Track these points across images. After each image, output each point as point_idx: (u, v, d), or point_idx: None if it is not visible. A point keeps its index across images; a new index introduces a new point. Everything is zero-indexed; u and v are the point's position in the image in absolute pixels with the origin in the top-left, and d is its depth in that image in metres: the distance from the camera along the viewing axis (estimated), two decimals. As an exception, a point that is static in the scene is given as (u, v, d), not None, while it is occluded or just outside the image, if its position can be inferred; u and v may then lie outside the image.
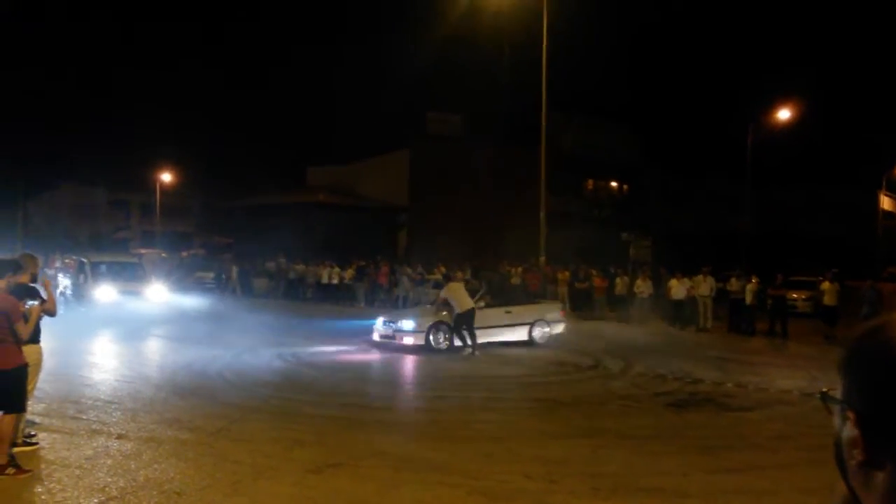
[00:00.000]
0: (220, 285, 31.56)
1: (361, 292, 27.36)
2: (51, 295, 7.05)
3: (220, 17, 79.23)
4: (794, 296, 22.76)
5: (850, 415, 0.83)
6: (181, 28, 79.38)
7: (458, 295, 14.61)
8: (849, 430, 0.83)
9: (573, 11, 37.80)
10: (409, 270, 26.85)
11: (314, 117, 66.79)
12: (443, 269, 25.99)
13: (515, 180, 34.61)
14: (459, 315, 14.39)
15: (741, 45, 67.80)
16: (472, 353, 14.14)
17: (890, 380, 0.78)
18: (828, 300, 18.69)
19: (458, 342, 14.47)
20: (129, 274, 20.15)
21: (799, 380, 12.30)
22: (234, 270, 31.45)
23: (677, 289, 20.67)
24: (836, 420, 0.87)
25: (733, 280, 20.34)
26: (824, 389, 0.92)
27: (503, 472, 6.72)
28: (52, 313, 6.99)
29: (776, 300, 19.07)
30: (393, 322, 15.22)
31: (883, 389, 0.79)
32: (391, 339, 14.92)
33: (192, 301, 23.65)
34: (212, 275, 32.82)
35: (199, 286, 31.04)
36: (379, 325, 15.37)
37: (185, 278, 31.78)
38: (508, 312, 15.91)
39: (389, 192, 42.18)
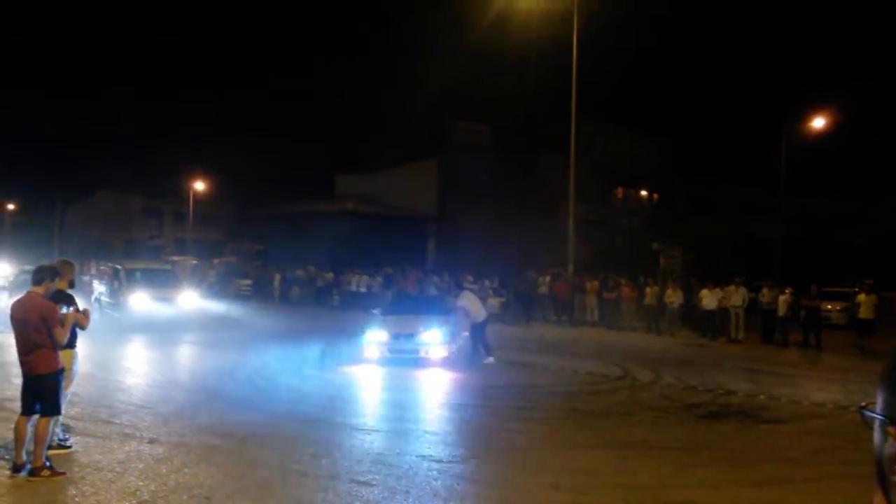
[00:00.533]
0: (261, 292, 31.83)
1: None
2: (83, 314, 6.99)
3: (252, 26, 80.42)
4: (829, 307, 22.34)
5: (893, 430, 0.80)
6: (212, 35, 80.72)
7: (474, 303, 14.65)
8: (891, 446, 0.80)
9: (602, 20, 37.70)
10: (436, 279, 26.87)
11: (344, 126, 67.34)
12: (470, 278, 26.00)
13: (544, 189, 34.49)
14: (476, 324, 14.42)
15: (774, 52, 66.96)
16: (489, 359, 14.19)
17: None
18: (864, 313, 18.28)
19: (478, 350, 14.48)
20: (162, 281, 20.47)
21: (833, 393, 12.05)
22: (278, 278, 31.37)
23: (709, 299, 20.41)
24: (876, 435, 0.84)
25: (765, 290, 20.03)
26: (863, 404, 0.90)
27: (532, 482, 6.68)
28: (83, 326, 7.00)
29: (810, 311, 18.73)
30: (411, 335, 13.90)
31: None
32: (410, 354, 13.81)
33: (231, 308, 23.88)
34: (249, 281, 33.24)
35: (237, 293, 31.42)
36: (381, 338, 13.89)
37: (223, 285, 32.21)
38: None
39: (418, 201, 42.31)
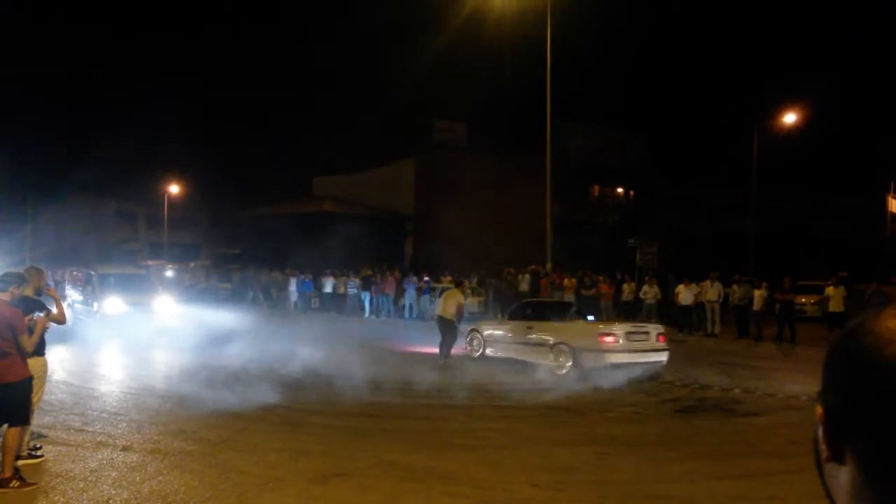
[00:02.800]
0: (238, 296, 31.09)
1: (367, 302, 27.34)
2: (59, 304, 7.07)
3: (225, 27, 79.79)
4: (803, 300, 22.64)
5: (818, 409, 0.83)
6: (186, 38, 79.95)
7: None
8: (818, 426, 0.83)
9: (577, 18, 37.91)
10: (414, 279, 26.85)
11: (320, 127, 66.99)
12: (449, 278, 26.01)
13: (521, 187, 34.61)
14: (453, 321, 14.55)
15: (747, 49, 67.74)
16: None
17: (854, 374, 0.79)
18: (833, 306, 18.56)
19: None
20: (137, 286, 20.19)
21: (807, 385, 12.19)
22: (293, 282, 29.45)
23: (685, 294, 20.61)
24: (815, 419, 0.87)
25: (735, 287, 20.26)
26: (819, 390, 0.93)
27: (509, 480, 6.68)
28: (61, 322, 7.03)
29: (784, 305, 18.97)
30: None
31: (847, 384, 0.79)
32: None
33: (221, 314, 22.94)
34: (228, 285, 32.77)
35: (214, 297, 30.81)
36: None
37: (199, 289, 31.66)
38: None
39: (395, 200, 42.23)
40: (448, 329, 14.55)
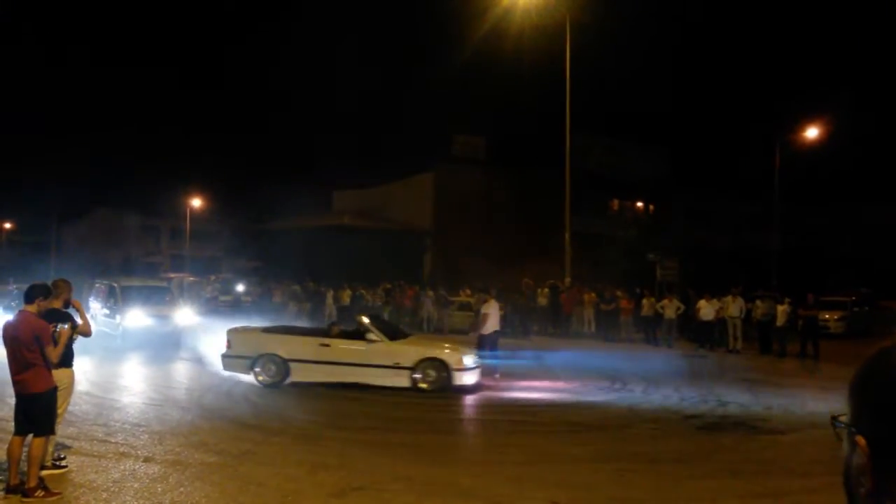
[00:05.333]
0: (260, 308, 30.97)
1: (386, 315, 27.33)
2: (84, 316, 7.16)
3: (249, 43, 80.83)
4: (826, 316, 22.34)
5: (860, 440, 0.79)
6: (212, 56, 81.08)
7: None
8: (858, 457, 0.79)
9: (597, 32, 37.93)
10: (432, 293, 26.87)
11: (340, 141, 67.49)
12: (468, 292, 25.98)
13: (540, 202, 34.59)
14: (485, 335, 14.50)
15: (769, 62, 67.38)
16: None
17: None
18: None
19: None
20: (158, 298, 20.42)
21: (831, 402, 12.00)
22: (331, 295, 28.35)
23: (706, 310, 20.41)
24: (845, 445, 0.83)
25: (758, 302, 20.04)
26: (835, 415, 0.88)
27: (529, 497, 6.65)
28: (87, 334, 7.11)
29: (807, 321, 18.72)
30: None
31: (893, 413, 0.76)
32: None
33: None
34: (248, 297, 32.82)
35: (238, 309, 30.93)
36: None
37: (221, 301, 31.78)
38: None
39: (414, 214, 42.34)
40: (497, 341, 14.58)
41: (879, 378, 0.78)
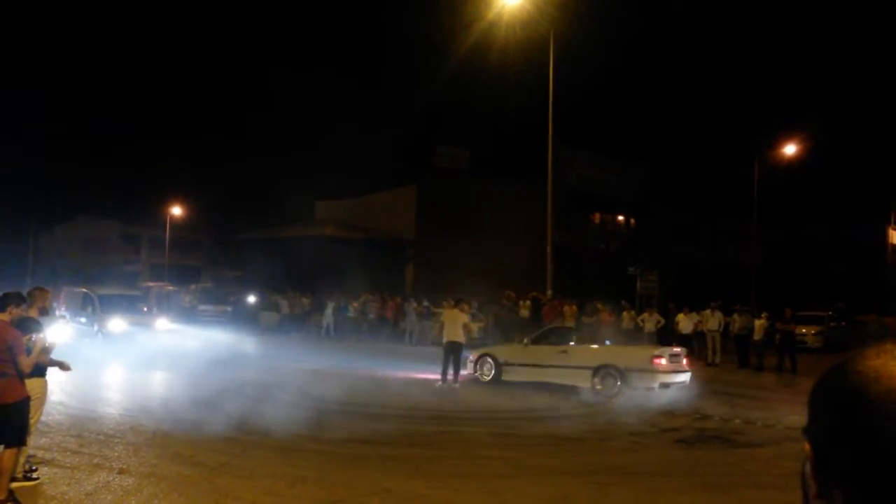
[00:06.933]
0: (239, 318, 30.65)
1: (366, 327, 27.24)
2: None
3: (230, 52, 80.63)
4: (804, 331, 22.58)
5: (806, 446, 0.84)
6: (190, 61, 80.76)
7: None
8: (807, 462, 0.84)
9: (580, 47, 38.27)
10: (414, 304, 26.82)
11: (323, 151, 67.47)
12: (450, 303, 25.94)
13: (522, 214, 34.72)
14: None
15: (750, 80, 68.36)
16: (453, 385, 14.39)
17: (840, 413, 0.79)
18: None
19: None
20: (134, 306, 20.29)
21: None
22: (329, 306, 27.87)
23: (685, 323, 20.56)
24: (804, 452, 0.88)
25: (736, 316, 20.23)
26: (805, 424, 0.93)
27: (507, 509, 6.62)
28: (47, 353, 6.65)
29: (785, 335, 18.91)
30: None
31: (833, 423, 0.80)
32: None
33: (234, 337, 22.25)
34: (227, 307, 32.54)
35: (212, 318, 30.69)
36: None
37: (196, 311, 31.53)
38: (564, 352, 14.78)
39: (397, 225, 42.33)
40: (459, 352, 14.55)
41: (827, 391, 0.83)
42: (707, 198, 44.06)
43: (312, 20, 78.81)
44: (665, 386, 13.59)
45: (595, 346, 14.98)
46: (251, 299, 32.46)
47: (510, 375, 15.08)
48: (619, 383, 13.50)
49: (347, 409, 12.07)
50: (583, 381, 13.97)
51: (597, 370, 13.83)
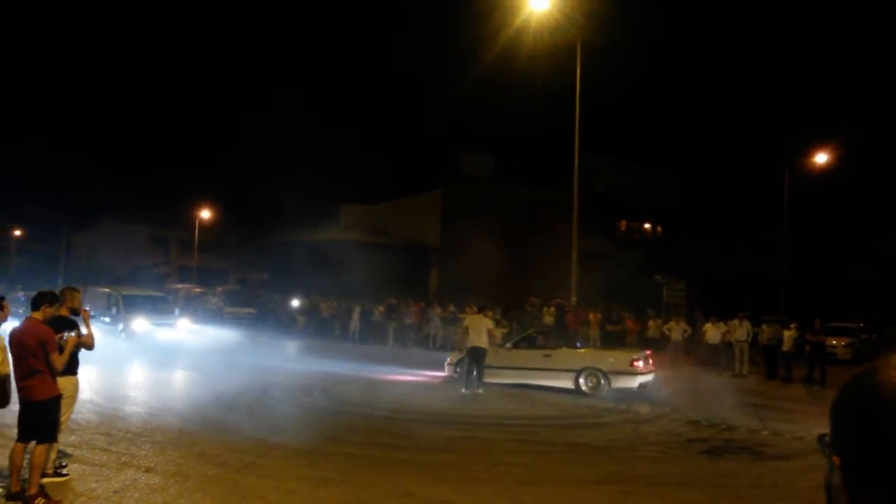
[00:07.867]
0: (265, 321, 30.76)
1: (391, 331, 27.27)
2: (89, 327, 7.16)
3: (259, 59, 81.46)
4: (834, 342, 22.19)
5: (835, 460, 0.83)
6: (221, 68, 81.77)
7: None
8: (837, 476, 0.83)
9: (608, 52, 38.10)
10: (439, 310, 26.82)
11: (349, 156, 67.88)
12: (474, 309, 25.92)
13: (548, 221, 34.57)
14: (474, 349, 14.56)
15: (781, 87, 67.49)
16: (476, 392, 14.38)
17: (870, 425, 0.78)
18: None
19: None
20: (157, 307, 20.64)
21: (839, 429, 11.90)
22: (357, 310, 27.70)
23: (712, 333, 20.31)
24: (827, 463, 0.87)
25: (764, 327, 19.95)
26: (822, 433, 0.92)
27: (529, 516, 6.59)
28: (89, 346, 7.09)
29: (814, 346, 18.60)
30: None
31: (864, 435, 0.79)
32: None
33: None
34: (252, 310, 32.77)
35: (237, 320, 30.95)
36: None
37: (223, 312, 31.82)
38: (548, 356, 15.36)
39: (422, 231, 42.44)
40: (483, 359, 14.55)
41: (852, 402, 0.84)
42: (736, 206, 43.55)
43: (345, 21, 79.48)
44: (643, 386, 14.69)
45: (580, 350, 16.33)
46: (294, 302, 32.46)
47: (492, 378, 15.12)
48: (602, 384, 14.48)
49: (370, 412, 12.11)
50: (566, 384, 14.74)
51: (580, 372, 14.72)
